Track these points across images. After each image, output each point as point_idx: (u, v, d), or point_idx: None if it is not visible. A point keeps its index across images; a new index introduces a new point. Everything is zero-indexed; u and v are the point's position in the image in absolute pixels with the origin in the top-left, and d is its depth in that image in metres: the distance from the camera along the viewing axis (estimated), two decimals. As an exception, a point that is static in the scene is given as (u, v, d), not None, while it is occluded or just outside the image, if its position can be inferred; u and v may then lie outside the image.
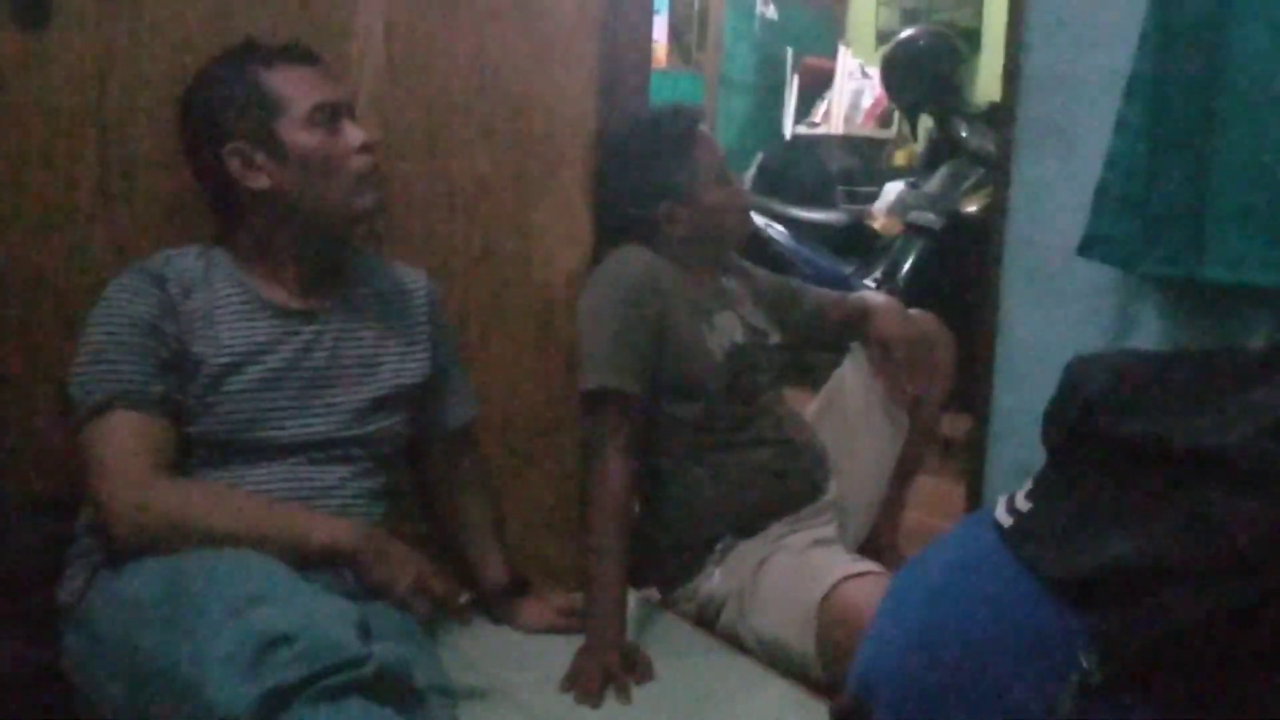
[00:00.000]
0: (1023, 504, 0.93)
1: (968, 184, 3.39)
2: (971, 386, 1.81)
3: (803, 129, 5.12)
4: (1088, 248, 1.41)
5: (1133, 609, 0.79)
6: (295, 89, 1.36)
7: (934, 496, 2.34)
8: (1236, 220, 1.24)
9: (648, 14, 1.97)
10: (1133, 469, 0.85)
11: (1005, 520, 0.93)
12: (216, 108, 1.35)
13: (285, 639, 1.00)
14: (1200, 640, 0.78)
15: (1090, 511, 0.86)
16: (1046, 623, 0.83)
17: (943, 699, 0.86)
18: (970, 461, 1.77)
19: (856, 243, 3.89)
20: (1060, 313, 1.57)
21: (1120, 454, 0.86)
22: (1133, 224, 1.35)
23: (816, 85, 5.17)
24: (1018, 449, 1.62)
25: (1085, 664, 0.79)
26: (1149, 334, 1.44)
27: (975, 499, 1.72)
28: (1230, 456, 0.80)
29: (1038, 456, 1.01)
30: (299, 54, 1.40)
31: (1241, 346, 1.28)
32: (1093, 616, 0.81)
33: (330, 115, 1.37)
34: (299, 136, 1.35)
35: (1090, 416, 0.88)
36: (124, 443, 1.25)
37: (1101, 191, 1.38)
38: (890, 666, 0.92)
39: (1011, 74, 1.63)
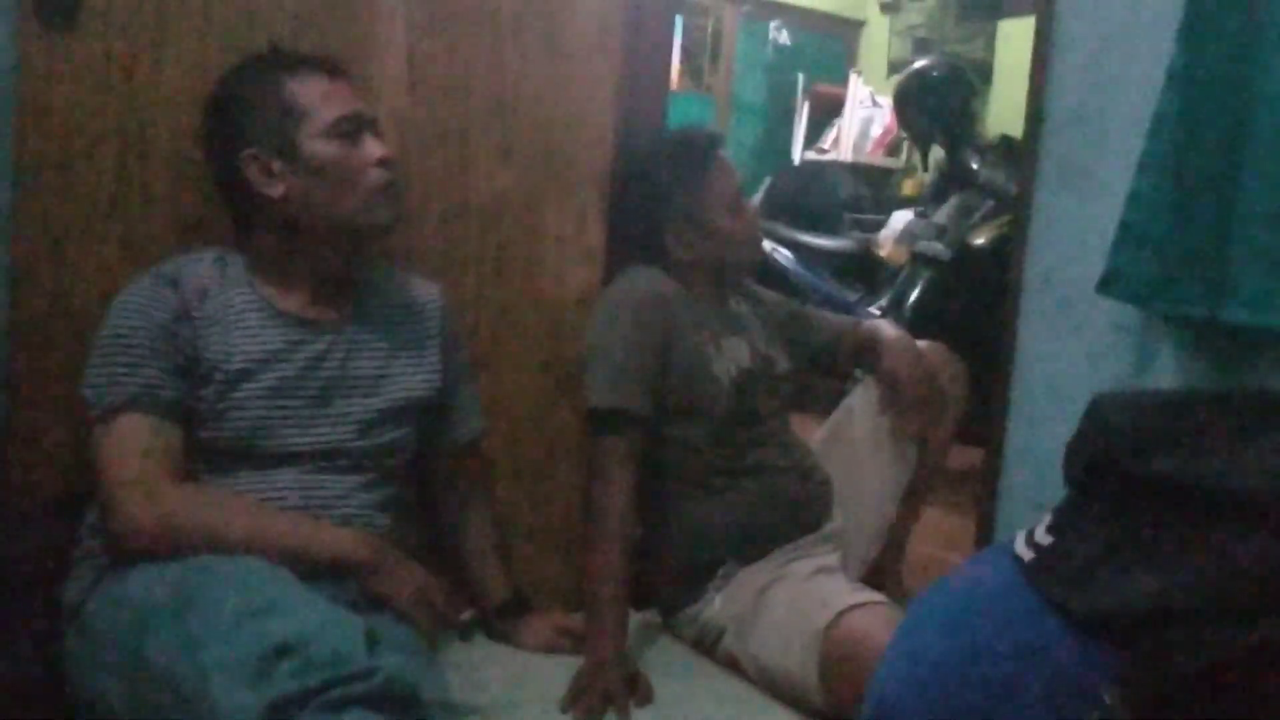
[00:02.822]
0: (1043, 538, 0.93)
1: (977, 216, 3.39)
2: (980, 419, 1.80)
3: (812, 155, 5.14)
4: (1107, 285, 1.41)
5: (1157, 647, 0.78)
6: (318, 99, 1.36)
7: (940, 529, 2.34)
8: (1259, 262, 1.24)
9: (668, 37, 1.98)
10: (1158, 507, 0.85)
11: (1025, 554, 0.93)
12: (238, 112, 1.36)
13: (292, 649, 0.99)
14: (1223, 681, 0.77)
15: (1114, 548, 0.86)
16: (1067, 658, 0.83)
17: (962, 731, 0.86)
18: (980, 494, 1.76)
19: (862, 270, 3.89)
20: (1077, 349, 1.57)
21: (1145, 492, 0.86)
22: (1154, 262, 1.35)
23: (827, 112, 5.20)
24: (1031, 483, 1.62)
25: (1108, 700, 0.78)
26: (1166, 373, 1.44)
27: (985, 532, 1.72)
28: (1256, 498, 0.80)
29: (1051, 491, 1.01)
30: (324, 64, 1.40)
31: (1264, 388, 1.28)
32: (1116, 654, 0.80)
33: (351, 128, 1.37)
34: (318, 147, 1.35)
35: (1115, 453, 0.88)
36: (134, 447, 1.25)
37: (1123, 229, 1.38)
38: (908, 695, 0.92)
39: (1034, 109, 1.63)
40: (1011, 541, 0.97)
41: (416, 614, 1.29)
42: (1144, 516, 0.86)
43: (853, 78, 5.17)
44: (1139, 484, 0.87)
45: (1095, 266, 1.44)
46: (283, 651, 0.99)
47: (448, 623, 1.34)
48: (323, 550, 1.26)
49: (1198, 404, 0.92)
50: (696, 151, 1.77)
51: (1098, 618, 0.83)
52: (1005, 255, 1.78)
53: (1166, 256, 1.34)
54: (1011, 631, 0.88)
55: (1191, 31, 1.34)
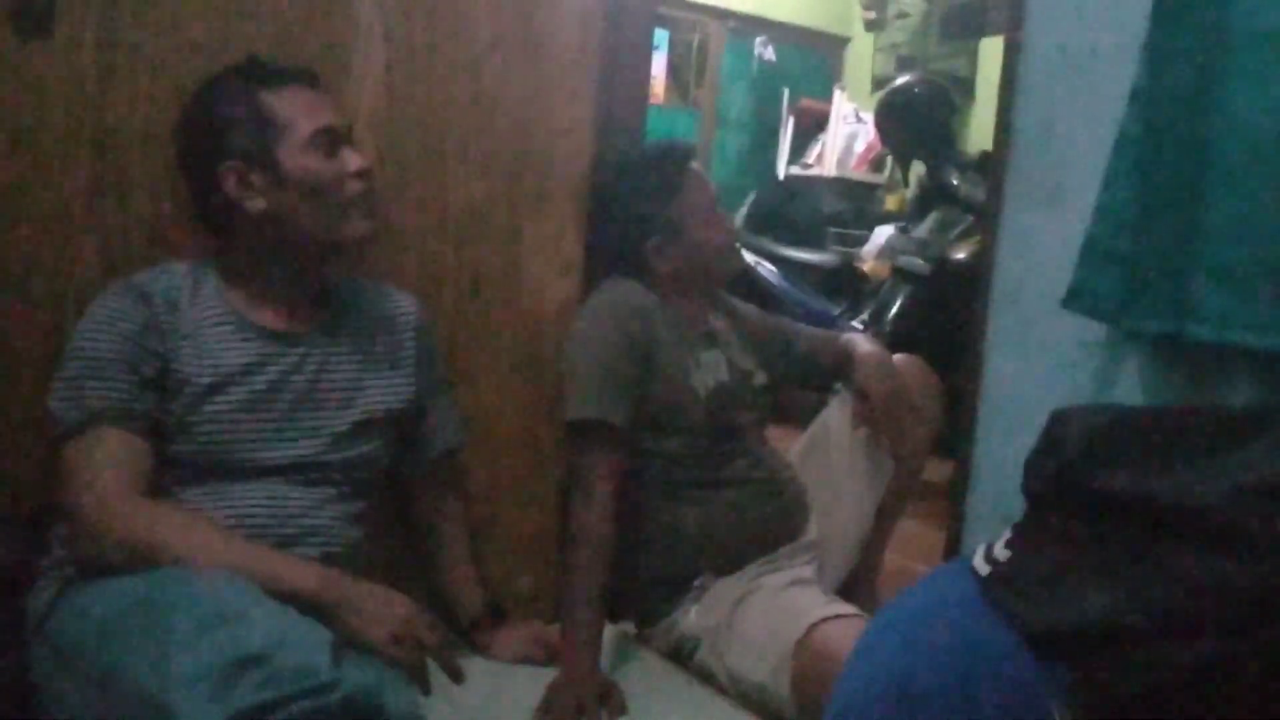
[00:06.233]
0: (1001, 553, 0.94)
1: (957, 231, 3.42)
2: (955, 432, 1.81)
3: (796, 170, 5.16)
4: (1073, 300, 1.42)
5: (1108, 664, 0.79)
6: (297, 112, 1.36)
7: (914, 540, 2.34)
8: (1221, 280, 1.25)
9: (646, 51, 1.99)
10: (1112, 523, 0.86)
11: (983, 569, 0.93)
12: (216, 126, 1.35)
13: (255, 660, 0.98)
14: (1173, 698, 0.78)
15: (1068, 564, 0.86)
16: (1021, 674, 0.83)
17: (916, 746, 0.86)
18: (950, 507, 1.77)
19: (845, 284, 3.92)
20: (1043, 364, 1.58)
21: (1100, 508, 0.87)
22: (1118, 279, 1.36)
23: (811, 127, 5.22)
24: (997, 497, 1.63)
25: (1058, 717, 0.79)
26: (1131, 389, 1.45)
27: (954, 545, 1.73)
28: (1209, 515, 0.81)
29: (1017, 505, 1.01)
30: (302, 76, 1.40)
31: (1222, 405, 1.29)
32: (1067, 670, 0.81)
33: (330, 140, 1.37)
34: (298, 160, 1.35)
35: (1072, 469, 0.89)
36: (103, 461, 1.24)
37: (1088, 245, 1.40)
38: (864, 712, 0.92)
39: (1003, 125, 1.65)
40: (971, 556, 0.98)
41: (396, 653, 1.21)
42: (1100, 533, 0.87)
43: (837, 93, 5.20)
44: (1096, 500, 0.88)
45: (1061, 282, 1.45)
46: (247, 662, 0.98)
47: (438, 658, 1.26)
48: (284, 584, 1.18)
49: (1155, 420, 0.93)
50: (670, 164, 1.79)
51: (1050, 633, 0.83)
52: (984, 270, 1.79)
53: (1130, 273, 1.35)
54: (965, 646, 0.88)
55: (1155, 50, 1.36)
